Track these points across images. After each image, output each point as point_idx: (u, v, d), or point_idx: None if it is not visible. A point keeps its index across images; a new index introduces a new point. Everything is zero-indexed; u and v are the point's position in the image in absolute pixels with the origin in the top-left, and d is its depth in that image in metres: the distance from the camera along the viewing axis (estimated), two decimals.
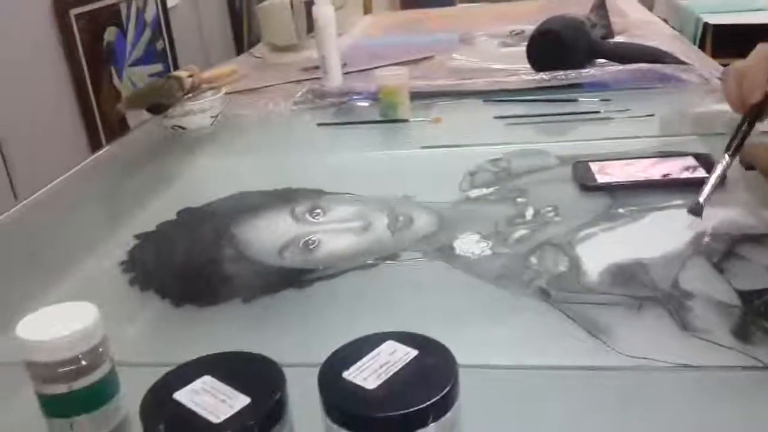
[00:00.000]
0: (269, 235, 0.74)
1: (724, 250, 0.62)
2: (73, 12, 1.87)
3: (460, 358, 0.39)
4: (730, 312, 0.54)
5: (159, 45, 2.33)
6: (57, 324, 0.43)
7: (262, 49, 1.70)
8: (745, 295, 0.55)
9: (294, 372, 0.40)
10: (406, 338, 0.41)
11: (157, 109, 1.06)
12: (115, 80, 2.07)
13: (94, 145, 1.96)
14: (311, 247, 0.70)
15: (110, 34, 2.04)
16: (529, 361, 0.51)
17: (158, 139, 1.12)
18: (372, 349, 0.40)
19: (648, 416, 0.45)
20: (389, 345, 0.41)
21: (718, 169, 0.65)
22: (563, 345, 0.52)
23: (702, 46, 2.61)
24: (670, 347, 0.50)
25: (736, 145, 0.67)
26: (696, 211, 0.64)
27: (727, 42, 2.59)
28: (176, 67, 2.39)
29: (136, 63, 2.18)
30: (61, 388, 0.42)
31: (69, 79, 1.91)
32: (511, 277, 0.61)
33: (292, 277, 0.65)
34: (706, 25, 2.58)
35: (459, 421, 0.38)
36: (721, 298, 0.55)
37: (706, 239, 0.64)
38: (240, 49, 2.65)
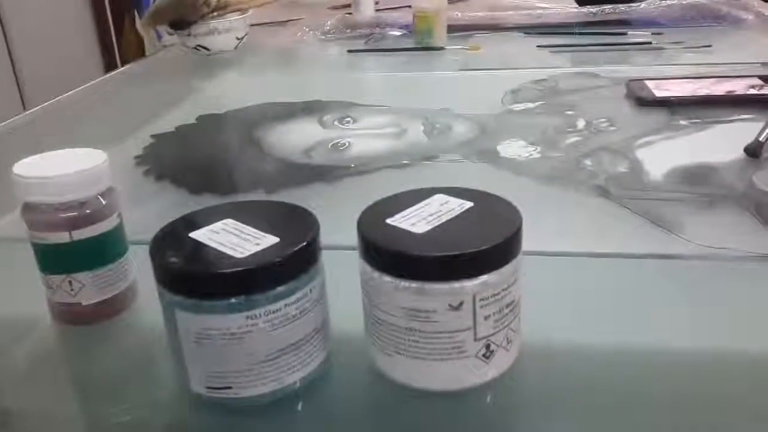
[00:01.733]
0: (295, 138, 0.68)
1: None
2: None
3: None
4: None
5: None
6: (59, 165, 0.37)
7: None
8: None
9: (328, 253, 0.34)
10: (460, 192, 0.35)
11: (180, 25, 1.00)
12: (138, 26, 2.02)
13: None
14: (341, 148, 0.64)
15: None
16: (592, 248, 0.45)
17: (181, 59, 1.06)
18: (420, 200, 0.35)
19: (719, 307, 0.39)
20: (439, 197, 0.35)
21: None
22: (628, 235, 0.46)
23: None
24: (749, 239, 0.44)
25: None
26: (754, 150, 0.56)
27: None
28: None
29: None
30: (61, 237, 0.37)
31: (92, 22, 1.87)
32: (564, 177, 0.55)
33: (320, 173, 0.59)
34: None
35: (520, 280, 0.32)
36: None
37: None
38: None
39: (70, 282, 0.38)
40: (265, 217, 0.34)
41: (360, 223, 0.32)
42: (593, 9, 1.07)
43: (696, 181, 0.53)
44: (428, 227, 0.32)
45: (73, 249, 0.37)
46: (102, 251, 0.38)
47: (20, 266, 0.41)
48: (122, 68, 1.11)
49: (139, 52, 2.00)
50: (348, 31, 1.17)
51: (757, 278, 0.41)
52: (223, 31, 1.04)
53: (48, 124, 0.84)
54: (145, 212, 0.54)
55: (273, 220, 0.34)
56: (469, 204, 0.34)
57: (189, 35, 1.03)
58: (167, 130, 0.73)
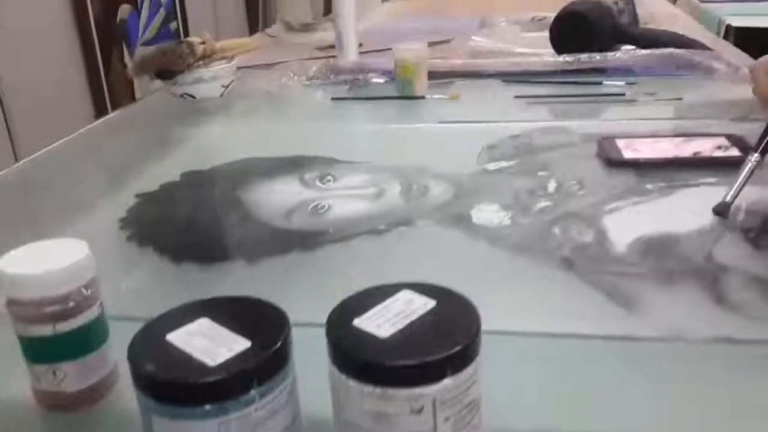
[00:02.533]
0: (276, 199, 0.70)
1: (760, 226, 0.58)
2: None
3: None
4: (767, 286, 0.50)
5: (173, 26, 2.30)
6: (43, 259, 0.39)
7: (276, 28, 1.67)
8: None
9: (300, 331, 0.37)
10: (424, 289, 0.37)
11: (167, 74, 1.02)
12: (126, 59, 2.05)
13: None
14: (320, 211, 0.67)
15: (123, 11, 2.02)
16: (552, 328, 0.47)
17: (167, 106, 1.08)
18: (386, 298, 0.37)
19: (676, 389, 0.41)
20: (405, 294, 0.37)
21: (747, 168, 0.60)
22: (587, 314, 0.49)
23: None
24: (704, 320, 0.47)
25: (767, 143, 0.62)
26: (722, 211, 0.59)
27: (750, 45, 2.54)
28: None
29: (149, 43, 2.16)
30: (45, 330, 0.39)
31: (80, 55, 1.89)
32: (532, 246, 0.58)
33: (300, 239, 0.61)
34: (729, 27, 2.53)
35: (479, 378, 0.34)
36: (758, 272, 0.51)
37: (742, 215, 0.60)
38: (254, 30, 2.62)
39: (54, 372, 0.40)
40: (237, 316, 0.36)
41: (328, 326, 0.34)
42: (569, 58, 1.11)
43: (657, 253, 0.55)
44: (392, 330, 0.34)
45: (57, 341, 0.39)
46: (85, 341, 0.40)
47: (5, 347, 0.43)
48: (110, 114, 1.13)
49: (127, 84, 2.03)
50: (332, 76, 1.20)
51: (708, 361, 0.44)
52: (209, 80, 1.06)
53: (36, 177, 0.85)
54: (128, 285, 0.55)
55: (245, 319, 0.35)
56: (432, 303, 0.36)
57: (175, 84, 1.05)
58: (152, 189, 0.75)
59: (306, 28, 1.59)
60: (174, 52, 1.01)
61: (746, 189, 0.61)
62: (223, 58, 1.11)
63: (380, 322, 0.34)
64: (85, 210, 0.73)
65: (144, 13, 2.14)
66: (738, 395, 0.41)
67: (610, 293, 0.50)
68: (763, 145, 0.62)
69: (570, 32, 1.14)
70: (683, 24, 1.49)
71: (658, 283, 0.51)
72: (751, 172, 0.61)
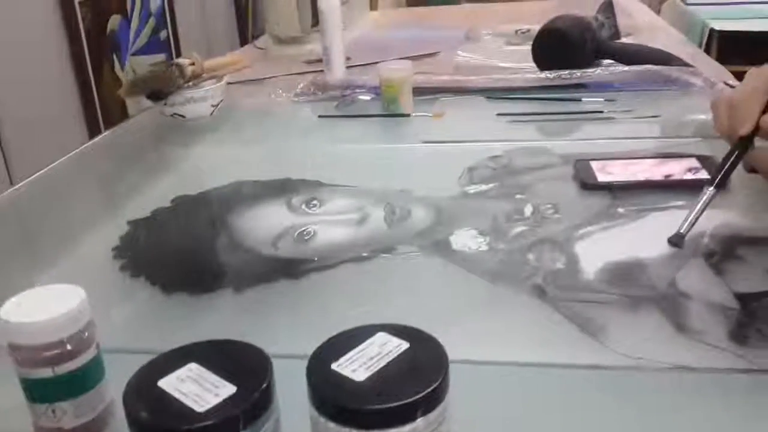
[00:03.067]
0: (264, 224, 0.73)
1: (723, 252, 0.61)
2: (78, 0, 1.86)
3: (452, 353, 0.39)
4: (726, 314, 0.53)
5: (163, 35, 2.32)
6: (42, 306, 0.42)
7: (265, 40, 1.69)
8: (742, 298, 0.54)
9: (285, 363, 0.40)
10: (398, 330, 0.40)
11: (157, 96, 1.05)
12: (117, 69, 2.06)
13: (93, 132, 1.95)
14: (306, 238, 0.69)
15: (114, 22, 2.03)
16: (522, 358, 0.50)
17: (158, 126, 1.11)
18: (363, 341, 0.40)
19: (640, 416, 0.44)
20: (380, 337, 0.40)
21: (702, 201, 0.63)
22: (556, 342, 0.52)
23: (707, 53, 2.59)
24: (665, 348, 0.50)
25: (722, 177, 0.64)
26: (677, 241, 0.61)
27: (733, 49, 2.58)
28: (179, 56, 2.38)
29: (139, 52, 2.17)
30: (44, 372, 0.42)
31: (71, 66, 1.90)
32: (507, 273, 0.61)
33: (286, 268, 0.64)
34: (712, 31, 2.57)
35: (448, 416, 0.37)
36: (718, 299, 0.55)
37: (706, 240, 0.63)
38: (244, 40, 2.64)
39: (53, 410, 0.42)
40: (223, 360, 0.39)
41: (308, 370, 0.37)
42: (551, 74, 1.14)
43: (624, 279, 0.59)
44: (368, 373, 0.37)
45: (56, 382, 0.42)
46: (83, 381, 0.43)
47: (8, 385, 0.45)
48: (102, 135, 1.15)
49: (119, 98, 2.04)
50: (319, 93, 1.23)
51: (672, 389, 0.47)
52: (199, 100, 1.08)
53: (30, 203, 0.88)
54: (121, 317, 0.58)
55: (231, 363, 0.38)
56: (405, 345, 0.39)
57: (166, 104, 1.07)
58: (144, 214, 0.78)
59: (294, 40, 1.61)
60: (164, 74, 1.04)
61: (710, 213, 0.64)
62: (213, 77, 1.13)
63: (356, 366, 0.37)
64: (80, 237, 0.75)
65: (134, 23, 2.16)
66: (695, 422, 0.44)
67: (578, 322, 0.53)
68: (718, 179, 0.65)
69: (551, 49, 1.17)
70: (665, 35, 1.53)
71: (623, 310, 0.54)
72: (706, 205, 0.63)
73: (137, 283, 0.64)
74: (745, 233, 0.65)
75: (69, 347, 0.42)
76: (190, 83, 1.08)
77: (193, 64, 1.09)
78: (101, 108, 1.99)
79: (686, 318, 0.53)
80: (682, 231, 0.61)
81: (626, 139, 0.90)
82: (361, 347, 0.39)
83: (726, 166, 0.65)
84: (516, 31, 1.50)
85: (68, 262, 0.70)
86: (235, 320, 0.57)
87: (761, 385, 0.47)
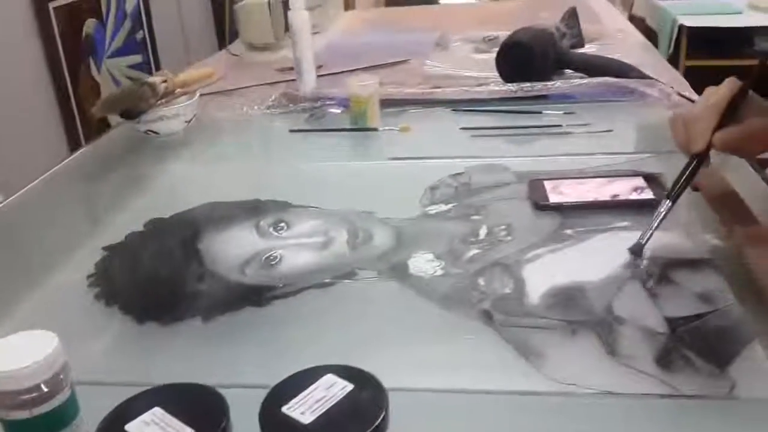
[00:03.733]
0: (233, 249, 0.77)
1: (659, 275, 0.66)
2: (52, 5, 1.87)
3: (397, 381, 0.44)
4: (656, 339, 0.57)
5: (139, 35, 2.33)
6: (19, 354, 0.46)
7: (239, 46, 1.72)
8: (671, 322, 0.59)
9: (246, 393, 0.44)
10: (344, 372, 0.45)
11: (130, 114, 1.08)
12: (94, 72, 2.08)
13: (72, 136, 1.97)
14: (273, 263, 0.73)
15: (89, 26, 2.05)
16: (463, 385, 0.54)
17: (132, 142, 1.14)
18: (312, 383, 0.44)
19: None
20: (327, 379, 0.44)
21: (660, 213, 0.68)
22: (499, 369, 0.56)
23: (677, 47, 2.65)
24: (597, 373, 0.54)
25: (678, 190, 0.69)
26: (636, 251, 0.67)
27: (703, 44, 2.63)
28: (156, 59, 2.40)
29: (115, 54, 2.19)
30: (23, 414, 0.45)
31: (47, 72, 1.92)
32: (458, 299, 0.65)
33: (252, 295, 0.68)
34: (681, 26, 2.62)
35: None
36: (649, 324, 0.59)
37: (644, 263, 0.68)
38: (221, 39, 2.66)
39: None
40: (185, 404, 0.43)
41: (261, 415, 0.41)
42: (513, 87, 1.18)
43: (566, 304, 0.63)
44: (314, 416, 0.41)
45: (34, 422, 0.46)
46: (59, 419, 0.47)
47: None
48: (75, 154, 1.17)
49: (96, 98, 2.06)
50: (291, 105, 1.26)
51: (601, 415, 0.51)
52: (172, 117, 1.11)
53: (5, 229, 0.90)
54: (96, 348, 0.62)
55: (191, 407, 0.43)
56: (349, 387, 0.43)
57: (139, 122, 1.10)
58: (118, 238, 0.81)
59: (267, 47, 1.64)
60: (136, 93, 1.06)
61: (652, 239, 0.68)
62: (185, 93, 1.16)
63: (304, 409, 0.42)
64: (57, 263, 0.79)
65: (110, 25, 2.17)
66: None
67: (519, 348, 0.58)
68: (675, 193, 0.69)
69: (513, 62, 1.21)
70: (632, 41, 1.57)
71: (563, 336, 0.59)
72: (664, 217, 0.69)
73: (112, 313, 0.67)
74: (681, 255, 0.69)
75: (45, 389, 0.46)
76: (163, 100, 1.11)
77: (165, 81, 1.12)
78: (78, 111, 2.01)
79: (618, 343, 0.57)
80: (642, 241, 0.66)
81: (581, 155, 0.95)
82: (309, 390, 0.43)
83: (681, 180, 0.70)
84: (484, 38, 1.54)
85: (46, 291, 0.73)
86: (202, 351, 0.61)
87: (684, 409, 0.51)
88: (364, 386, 0.44)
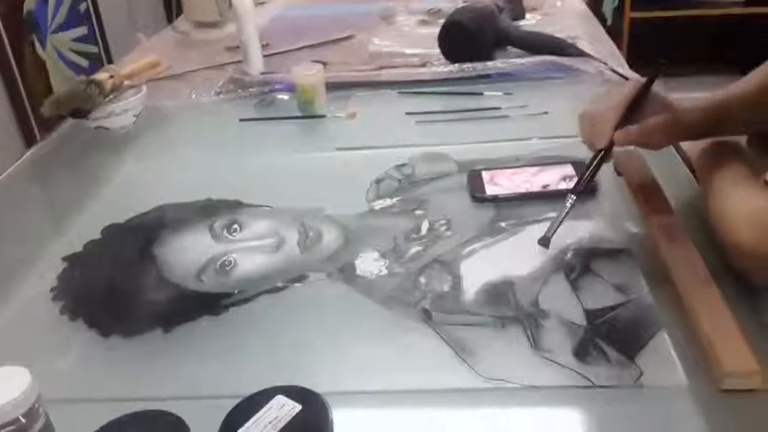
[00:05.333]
0: (189, 255, 0.81)
1: (581, 267, 0.73)
2: None
3: (345, 385, 0.53)
4: (575, 331, 0.64)
5: (82, 7, 2.28)
6: None
7: (185, 24, 1.71)
8: (589, 315, 0.66)
9: (210, 405, 0.49)
10: (293, 392, 0.50)
11: (80, 113, 1.09)
12: (39, 49, 2.04)
13: (21, 116, 1.95)
14: (227, 268, 0.78)
15: (30, 2, 2.00)
16: (402, 385, 0.60)
17: (82, 139, 1.15)
18: (264, 404, 0.49)
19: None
20: (278, 400, 0.50)
21: (565, 208, 0.74)
22: (436, 368, 0.62)
23: (622, 3, 2.69)
24: (523, 368, 0.61)
25: (581, 184, 0.75)
26: (545, 243, 0.73)
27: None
28: (102, 31, 2.35)
29: (59, 29, 2.15)
30: None
31: None
32: (400, 299, 0.71)
33: (208, 303, 0.73)
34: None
35: None
36: (570, 317, 0.66)
37: (569, 255, 0.74)
38: (168, 7, 2.61)
39: None
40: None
41: None
42: (455, 68, 1.22)
43: (497, 300, 0.69)
44: None
45: None
46: None
47: None
48: (27, 153, 1.18)
49: (42, 74, 2.03)
50: (239, 90, 1.28)
51: (527, 408, 0.58)
52: (121, 113, 1.13)
53: None
54: (64, 364, 0.67)
55: None
56: (298, 407, 0.49)
57: (89, 119, 1.12)
58: (77, 248, 0.84)
59: (213, 24, 1.63)
60: (83, 92, 1.07)
61: (576, 224, 0.75)
62: (133, 86, 1.18)
63: (257, 431, 0.47)
64: (17, 274, 0.82)
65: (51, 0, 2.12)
66: None
67: (454, 345, 0.64)
68: (577, 187, 0.76)
69: (454, 42, 1.25)
70: (571, 9, 1.60)
71: (494, 332, 0.65)
72: (568, 211, 0.74)
73: (77, 327, 0.71)
74: (603, 245, 0.76)
75: (23, 420, 0.50)
76: (111, 96, 1.13)
77: (112, 77, 1.13)
78: (25, 88, 1.98)
79: (542, 337, 0.64)
80: (550, 234, 0.73)
81: (518, 140, 1.00)
82: (262, 412, 0.49)
83: (585, 175, 0.76)
84: (428, 10, 1.56)
85: (10, 307, 0.77)
86: (164, 364, 0.66)
87: (598, 398, 0.58)
88: (311, 405, 0.49)
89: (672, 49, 2.37)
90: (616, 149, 0.76)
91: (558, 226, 0.73)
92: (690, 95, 0.81)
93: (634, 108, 0.74)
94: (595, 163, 0.76)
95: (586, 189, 0.76)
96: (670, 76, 1.01)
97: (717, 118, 0.76)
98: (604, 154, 0.75)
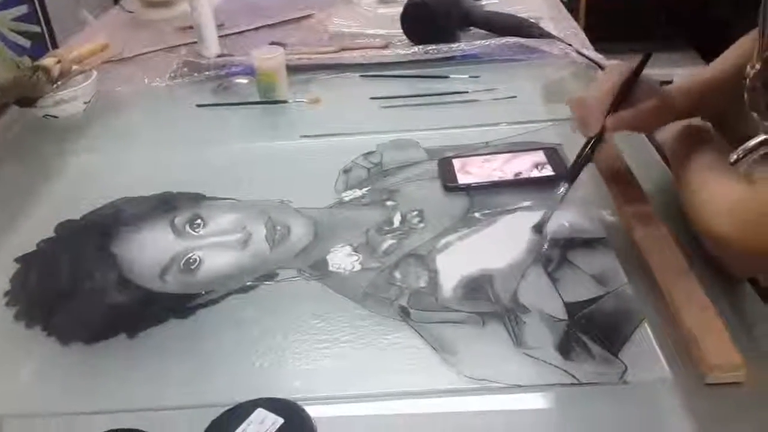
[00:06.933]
0: (150, 253, 0.77)
1: (558, 258, 0.71)
2: None
3: (323, 389, 0.52)
4: (556, 326, 0.63)
5: None
6: None
7: (133, 2, 1.63)
8: (570, 308, 0.65)
9: (183, 415, 0.46)
10: (274, 406, 0.48)
11: (26, 102, 1.03)
12: None
13: None
14: (192, 267, 0.74)
15: None
16: (384, 387, 0.58)
17: (30, 128, 1.09)
18: (244, 419, 0.47)
19: None
20: (259, 414, 0.47)
21: (559, 195, 0.74)
22: (418, 369, 0.60)
23: None
24: (505, 366, 0.59)
25: (575, 173, 0.75)
26: (538, 230, 0.73)
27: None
28: (43, 9, 2.24)
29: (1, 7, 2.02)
30: None
31: None
32: (376, 296, 0.68)
33: (174, 305, 0.69)
34: None
35: None
36: (550, 311, 0.65)
37: (546, 246, 0.73)
38: None
39: None
40: None
41: None
42: (419, 49, 1.19)
43: (475, 295, 0.67)
44: None
45: None
46: None
47: None
48: None
49: None
50: (194, 74, 1.23)
51: (512, 408, 0.57)
52: (69, 100, 1.07)
53: None
54: (22, 376, 0.62)
55: None
56: (280, 421, 0.46)
57: (36, 107, 1.05)
58: (30, 247, 0.79)
59: (164, 3, 1.56)
60: (30, 80, 1.01)
61: (558, 220, 0.74)
62: (82, 71, 1.11)
63: None
64: None
65: None
66: None
67: (434, 344, 0.62)
68: (572, 175, 0.75)
69: (417, 23, 1.22)
70: None
71: (474, 329, 0.64)
72: (562, 199, 0.75)
73: (34, 335, 0.67)
74: (579, 235, 0.75)
75: None
76: (59, 82, 1.06)
77: (59, 61, 1.07)
78: None
79: (523, 333, 0.63)
80: (543, 221, 0.73)
81: (486, 126, 0.98)
82: (242, 427, 0.46)
83: (578, 162, 0.76)
84: None
85: None
86: (130, 372, 0.62)
87: (582, 396, 0.57)
88: (293, 420, 0.47)
89: (628, 27, 2.39)
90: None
91: (552, 214, 0.74)
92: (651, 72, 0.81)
93: (625, 93, 0.74)
94: (588, 149, 0.75)
95: (572, 176, 0.76)
96: (625, 53, 1.02)
97: (701, 99, 0.77)
98: (597, 140, 0.75)
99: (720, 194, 0.64)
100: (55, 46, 2.04)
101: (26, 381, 0.63)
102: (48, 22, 2.22)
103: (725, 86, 0.76)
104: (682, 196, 0.71)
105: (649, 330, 0.62)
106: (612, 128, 0.75)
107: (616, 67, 0.79)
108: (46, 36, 2.20)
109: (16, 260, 0.78)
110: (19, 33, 2.12)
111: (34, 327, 0.68)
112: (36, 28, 2.17)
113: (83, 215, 0.85)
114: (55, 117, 1.07)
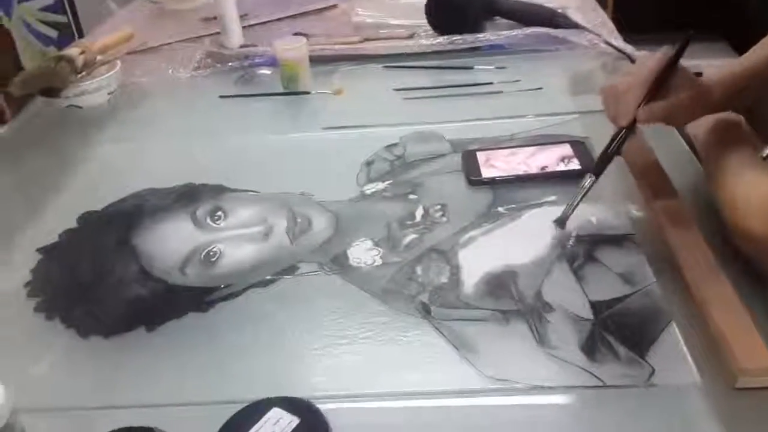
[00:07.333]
0: (171, 245, 0.76)
1: (584, 255, 0.70)
2: None
3: (342, 387, 0.51)
4: (581, 326, 0.61)
5: None
6: None
7: None
8: (596, 307, 0.63)
9: (199, 412, 0.46)
10: (290, 405, 0.47)
11: (51, 92, 1.03)
12: (4, 20, 1.95)
13: None
14: (213, 259, 0.74)
15: None
16: (404, 386, 0.57)
17: (55, 118, 1.09)
18: (259, 418, 0.46)
19: None
20: (275, 413, 0.46)
21: (585, 187, 0.71)
22: (437, 367, 0.59)
23: None
24: (528, 366, 0.58)
25: (602, 166, 0.72)
26: (561, 223, 0.71)
27: None
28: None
29: None
30: None
31: None
32: (397, 292, 0.67)
33: (194, 299, 0.69)
34: None
35: None
36: (575, 310, 0.63)
37: (571, 242, 0.71)
38: None
39: None
40: None
41: None
42: (443, 40, 1.17)
43: (498, 293, 0.66)
44: None
45: None
46: None
47: None
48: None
49: (11, 51, 1.94)
50: (218, 65, 1.22)
51: (534, 408, 0.55)
52: (94, 90, 1.07)
53: None
54: (40, 369, 0.63)
55: None
56: (296, 421, 0.46)
57: (60, 97, 1.06)
58: (52, 237, 0.80)
59: None
60: (54, 70, 1.01)
61: (579, 209, 0.72)
62: (106, 62, 1.12)
63: None
64: None
65: None
66: None
67: (455, 342, 0.61)
68: (599, 167, 0.73)
69: (441, 13, 1.20)
70: None
71: (496, 327, 0.62)
72: (587, 191, 0.72)
73: (53, 327, 0.67)
74: (606, 232, 0.73)
75: None
76: (83, 73, 1.07)
77: (83, 52, 1.07)
78: None
79: (547, 332, 0.61)
80: (567, 214, 0.72)
81: (512, 118, 0.96)
82: (257, 426, 0.45)
83: (606, 154, 0.73)
84: None
85: None
86: (150, 364, 0.62)
87: (608, 399, 0.55)
88: (308, 420, 0.46)
89: (657, 17, 2.33)
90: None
91: (575, 207, 0.72)
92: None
93: (660, 83, 0.70)
94: (617, 140, 0.72)
95: (599, 169, 0.73)
96: (653, 44, 0.98)
97: (737, 92, 0.74)
98: (627, 132, 0.72)
99: (754, 191, 0.62)
100: (81, 36, 2.05)
101: (45, 374, 0.63)
102: (75, 13, 2.23)
103: (759, 79, 0.73)
104: (714, 192, 0.69)
105: (677, 330, 0.60)
106: (644, 120, 0.71)
107: (651, 55, 0.76)
108: (73, 26, 2.22)
109: (38, 250, 0.78)
110: (46, 24, 2.14)
111: (54, 319, 0.68)
112: (62, 19, 2.19)
113: (105, 206, 0.85)
114: (79, 107, 1.07)
